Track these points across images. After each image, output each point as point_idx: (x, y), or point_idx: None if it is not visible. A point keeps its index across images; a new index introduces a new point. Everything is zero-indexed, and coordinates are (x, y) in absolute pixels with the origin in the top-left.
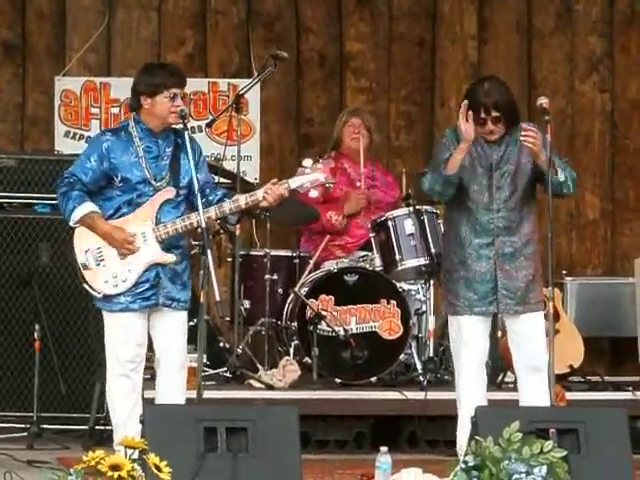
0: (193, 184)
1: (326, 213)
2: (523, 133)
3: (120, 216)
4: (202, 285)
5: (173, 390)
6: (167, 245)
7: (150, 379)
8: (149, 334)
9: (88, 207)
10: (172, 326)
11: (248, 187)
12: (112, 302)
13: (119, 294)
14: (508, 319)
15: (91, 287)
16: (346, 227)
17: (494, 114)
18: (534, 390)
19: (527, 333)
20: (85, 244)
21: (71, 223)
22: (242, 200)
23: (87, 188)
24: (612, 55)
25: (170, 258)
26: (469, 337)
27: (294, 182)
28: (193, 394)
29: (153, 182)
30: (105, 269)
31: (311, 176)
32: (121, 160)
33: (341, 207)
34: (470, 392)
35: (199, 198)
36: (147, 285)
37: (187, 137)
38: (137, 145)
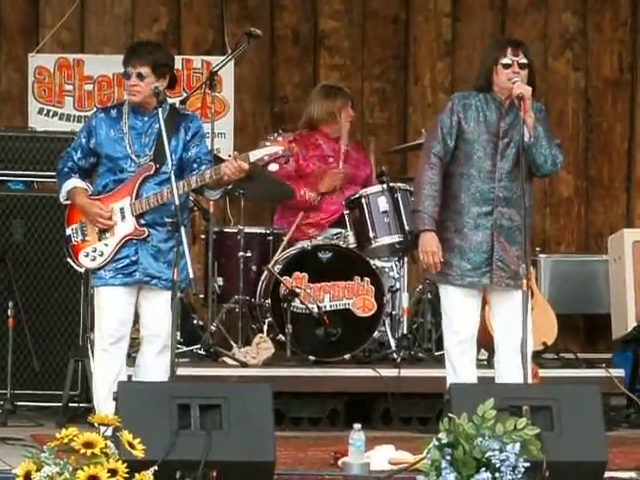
0: (182, 161)
1: (300, 189)
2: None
3: (107, 192)
4: (175, 262)
5: (153, 371)
6: (150, 222)
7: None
8: (137, 311)
9: (71, 183)
10: (157, 304)
11: None
12: (96, 277)
13: (98, 268)
14: (496, 294)
15: (73, 261)
16: (319, 204)
17: (521, 60)
18: (516, 368)
19: (514, 310)
20: (73, 219)
21: (61, 200)
22: (207, 173)
23: (78, 165)
24: (586, 33)
25: (143, 234)
26: (457, 309)
27: (254, 155)
28: None
29: (135, 158)
30: (87, 243)
31: (270, 149)
32: (106, 137)
33: (315, 183)
34: (459, 368)
35: (172, 175)
36: (127, 261)
37: (160, 115)
38: (124, 122)
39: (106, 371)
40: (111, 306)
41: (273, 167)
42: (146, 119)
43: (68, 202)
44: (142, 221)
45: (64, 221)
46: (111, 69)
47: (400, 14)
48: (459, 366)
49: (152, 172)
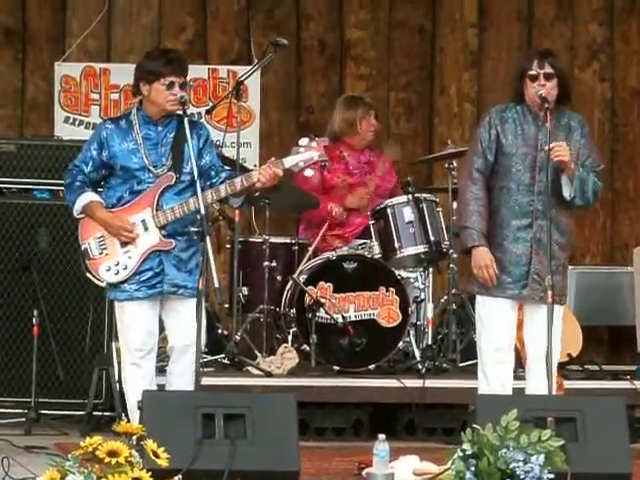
0: (198, 168)
1: (327, 204)
2: (552, 151)
3: (123, 204)
4: (200, 272)
5: (188, 380)
6: (171, 232)
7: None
8: (163, 322)
9: (87, 197)
10: (182, 314)
11: None
12: (118, 291)
13: (121, 282)
14: (531, 307)
15: (94, 276)
16: (345, 219)
17: (547, 70)
18: (544, 381)
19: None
20: (89, 233)
21: (75, 214)
22: (238, 181)
23: (89, 178)
24: (612, 43)
25: (169, 245)
26: (493, 318)
27: (288, 161)
28: None
29: (152, 169)
30: (107, 257)
31: (305, 155)
32: (120, 148)
33: (341, 198)
34: (492, 377)
35: (198, 184)
36: (151, 273)
37: (186, 124)
38: (136, 132)
39: (137, 383)
40: (138, 320)
41: (308, 173)
42: (160, 129)
43: (82, 217)
44: (164, 232)
45: (79, 236)
46: None
47: (426, 24)
48: (492, 376)
49: (173, 182)
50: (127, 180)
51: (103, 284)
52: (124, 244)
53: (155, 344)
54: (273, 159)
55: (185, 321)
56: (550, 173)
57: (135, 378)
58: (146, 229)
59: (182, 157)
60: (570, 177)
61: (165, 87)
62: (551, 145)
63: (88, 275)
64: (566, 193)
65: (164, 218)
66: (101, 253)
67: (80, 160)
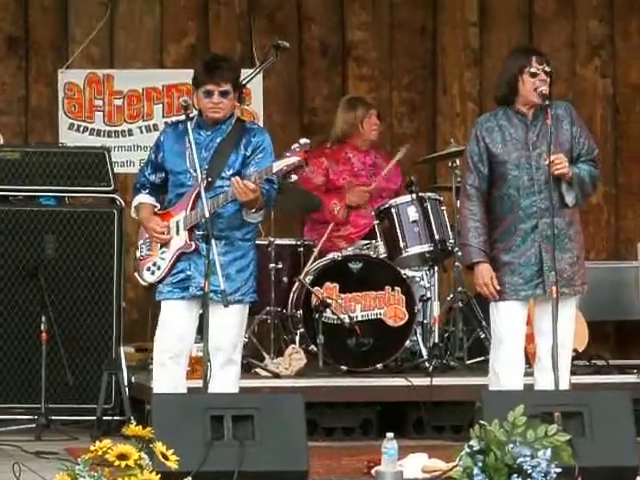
0: (242, 177)
1: (330, 202)
2: (554, 165)
3: (171, 206)
4: (206, 274)
5: (218, 384)
6: (208, 235)
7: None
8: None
9: (138, 199)
10: (216, 319)
11: None
12: (157, 291)
13: (157, 282)
14: (545, 303)
15: (139, 276)
16: (347, 218)
17: (547, 68)
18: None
19: (564, 316)
20: (142, 235)
21: (132, 215)
22: (229, 192)
23: (149, 180)
24: (613, 40)
25: (190, 247)
26: (507, 322)
27: (277, 166)
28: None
29: (193, 172)
30: (149, 258)
31: (288, 160)
32: (170, 151)
33: (344, 196)
34: (506, 380)
35: (202, 188)
36: (182, 275)
37: (189, 127)
38: (188, 136)
39: (162, 385)
40: (170, 321)
41: (292, 178)
42: (209, 133)
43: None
44: (197, 235)
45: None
46: (140, 83)
47: (427, 24)
48: (504, 376)
49: (205, 186)
50: (174, 183)
51: (145, 284)
52: (162, 245)
53: (186, 349)
54: (256, 170)
55: (215, 325)
56: (550, 178)
57: (161, 378)
58: (178, 231)
59: (224, 162)
60: (569, 182)
61: (204, 95)
62: (551, 158)
63: (136, 275)
64: (568, 200)
65: (190, 221)
66: (146, 254)
67: (144, 163)
